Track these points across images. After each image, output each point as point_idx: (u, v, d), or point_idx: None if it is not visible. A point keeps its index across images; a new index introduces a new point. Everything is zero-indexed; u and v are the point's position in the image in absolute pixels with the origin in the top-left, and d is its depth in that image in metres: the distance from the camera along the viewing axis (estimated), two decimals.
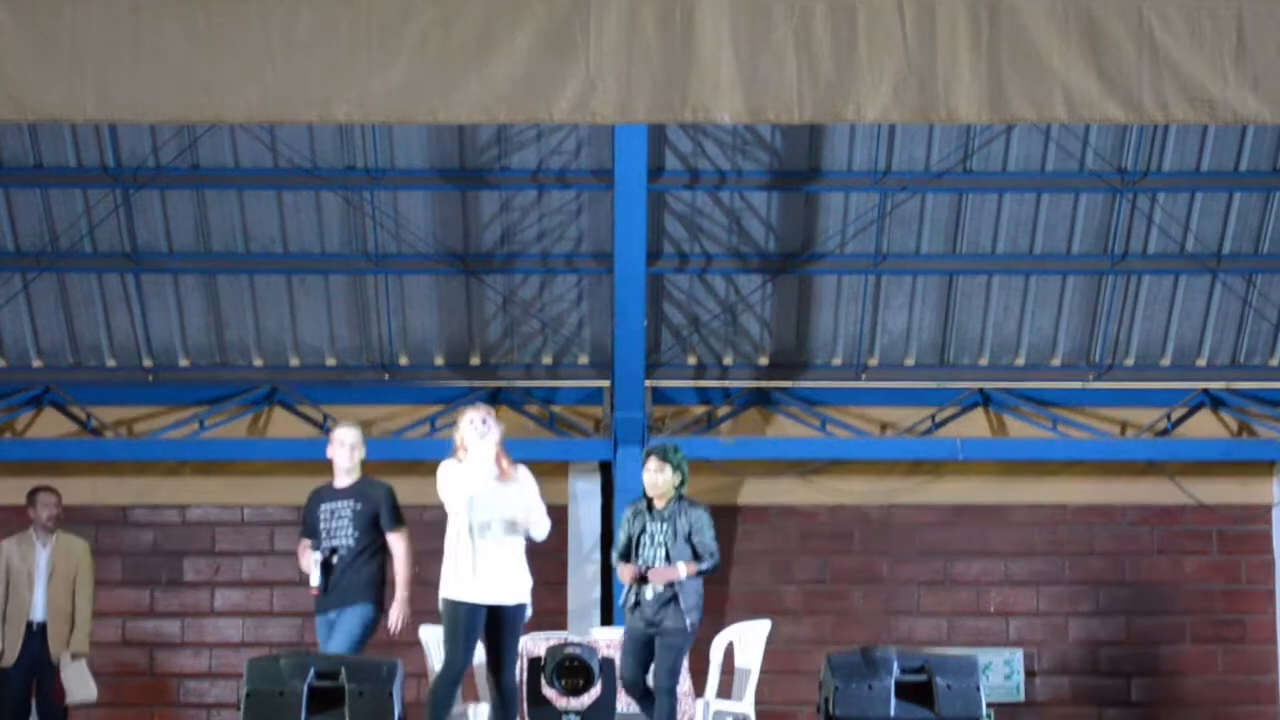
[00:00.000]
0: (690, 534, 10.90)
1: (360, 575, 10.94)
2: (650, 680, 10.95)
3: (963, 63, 10.09)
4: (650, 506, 11.03)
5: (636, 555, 10.96)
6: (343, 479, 11.13)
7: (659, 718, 10.77)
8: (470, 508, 10.20)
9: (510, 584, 10.22)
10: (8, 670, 12.89)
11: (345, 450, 11.10)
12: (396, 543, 10.99)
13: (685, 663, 12.28)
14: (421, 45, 10.10)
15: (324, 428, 15.55)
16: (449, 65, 10.08)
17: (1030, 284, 15.60)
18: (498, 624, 10.20)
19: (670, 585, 10.83)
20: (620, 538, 11.13)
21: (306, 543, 11.04)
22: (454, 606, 10.16)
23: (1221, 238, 15.40)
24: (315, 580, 10.88)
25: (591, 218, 15.23)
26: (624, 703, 11.79)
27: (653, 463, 10.97)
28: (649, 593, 10.87)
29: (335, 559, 10.89)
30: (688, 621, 10.87)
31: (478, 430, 10.18)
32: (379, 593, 10.96)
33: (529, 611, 10.39)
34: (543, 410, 15.69)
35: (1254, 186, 15.21)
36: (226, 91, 10.06)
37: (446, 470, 10.32)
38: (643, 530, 10.99)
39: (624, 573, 10.94)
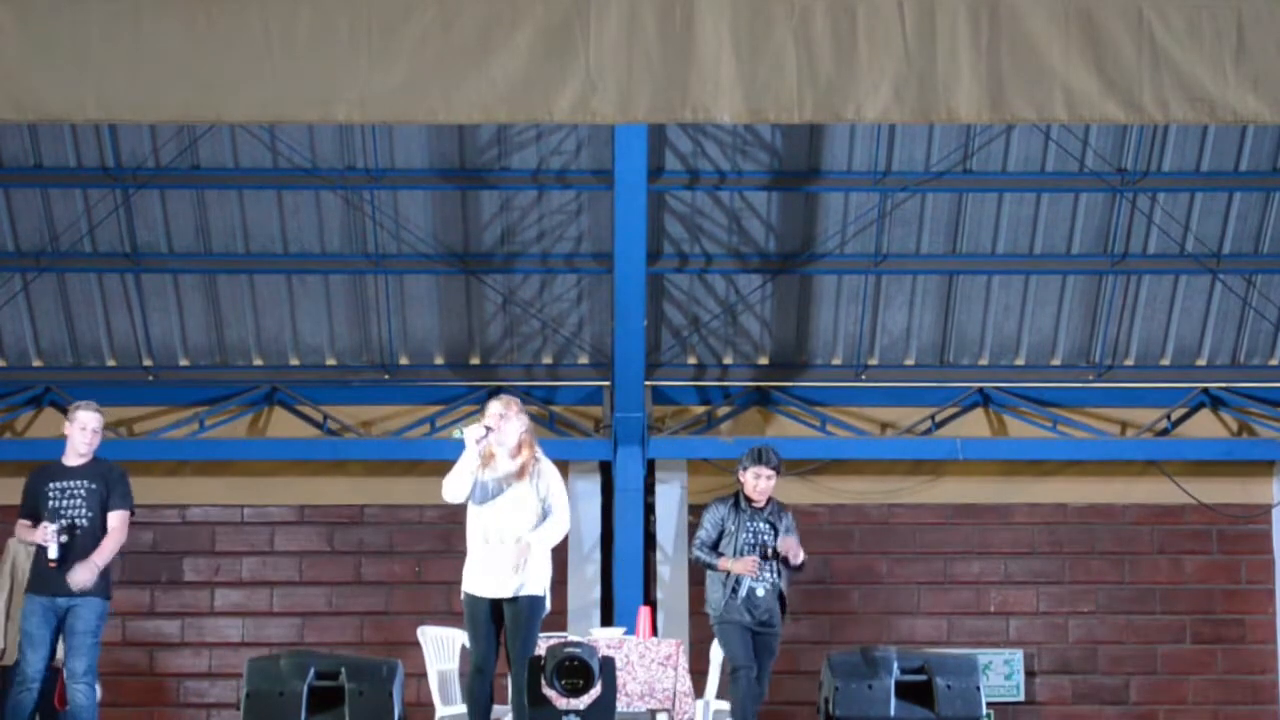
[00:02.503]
0: (788, 532, 11.29)
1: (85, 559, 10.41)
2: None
3: (963, 63, 10.09)
4: (747, 504, 11.28)
5: (734, 552, 11.12)
6: (75, 459, 10.60)
7: (748, 701, 11.04)
8: (480, 501, 10.29)
9: (519, 577, 10.22)
10: (9, 669, 12.86)
11: (86, 435, 10.57)
12: (114, 519, 10.45)
13: (687, 661, 12.31)
14: (421, 45, 10.09)
15: (324, 428, 15.57)
16: (449, 65, 10.07)
17: (1030, 284, 15.60)
18: (508, 617, 10.22)
19: (777, 586, 11.12)
20: (711, 532, 11.23)
21: (26, 523, 10.49)
22: (470, 601, 10.30)
23: (1221, 238, 15.40)
24: (54, 553, 10.27)
25: (591, 218, 15.23)
26: (624, 702, 11.79)
27: (762, 470, 11.16)
28: (760, 589, 11.08)
29: (72, 536, 10.36)
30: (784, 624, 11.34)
31: (497, 419, 10.39)
32: (109, 582, 10.51)
33: (547, 605, 10.38)
34: (543, 410, 15.69)
35: (1254, 186, 15.21)
36: (226, 91, 10.06)
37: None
38: (737, 528, 11.18)
39: (744, 564, 11.09)
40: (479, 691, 10.20)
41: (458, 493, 10.38)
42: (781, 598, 11.19)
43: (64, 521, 10.32)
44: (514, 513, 10.38)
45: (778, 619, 11.16)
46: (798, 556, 11.21)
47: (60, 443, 15.21)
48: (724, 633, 11.20)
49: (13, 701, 10.39)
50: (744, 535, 11.17)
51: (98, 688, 10.56)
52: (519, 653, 10.19)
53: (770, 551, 11.14)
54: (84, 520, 10.41)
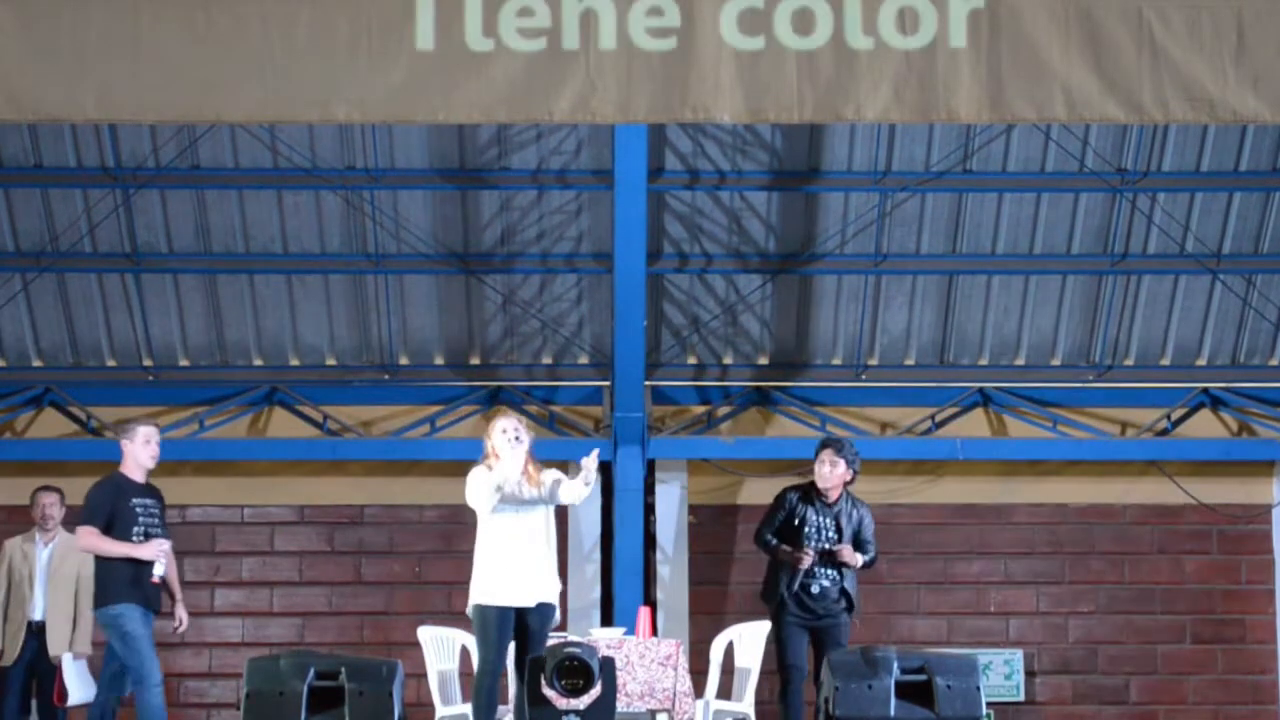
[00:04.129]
0: (859, 530, 11.28)
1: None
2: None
3: (963, 63, 10.09)
4: (818, 497, 11.27)
5: (799, 542, 11.13)
6: (141, 475, 10.99)
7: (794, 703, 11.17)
8: (499, 513, 10.29)
9: (538, 586, 10.32)
10: (7, 669, 12.88)
11: (151, 449, 10.99)
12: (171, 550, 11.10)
13: (687, 661, 12.30)
14: (422, 45, 10.09)
15: (324, 428, 15.57)
16: (449, 65, 10.08)
17: (1030, 284, 15.60)
18: (525, 626, 10.31)
19: (841, 578, 11.11)
20: (778, 516, 11.22)
21: (93, 529, 10.74)
22: (484, 610, 10.26)
23: (1221, 238, 15.40)
24: (160, 570, 10.75)
25: (591, 218, 15.23)
26: (624, 702, 11.79)
27: (828, 455, 11.13)
28: (815, 587, 11.15)
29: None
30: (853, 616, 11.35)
31: (509, 439, 10.30)
32: None
33: (557, 616, 10.52)
34: (543, 410, 15.69)
35: (1254, 186, 15.21)
36: (226, 91, 10.06)
37: (478, 476, 10.39)
38: (803, 519, 11.12)
39: (795, 558, 11.11)
40: (493, 694, 10.29)
41: (492, 502, 10.29)
42: (845, 594, 11.20)
43: (170, 542, 10.86)
44: (527, 516, 10.40)
45: (838, 610, 11.23)
46: (854, 561, 11.26)
47: (60, 443, 15.39)
48: (776, 629, 11.37)
49: (155, 705, 10.78)
50: (808, 529, 11.18)
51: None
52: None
53: (827, 552, 11.14)
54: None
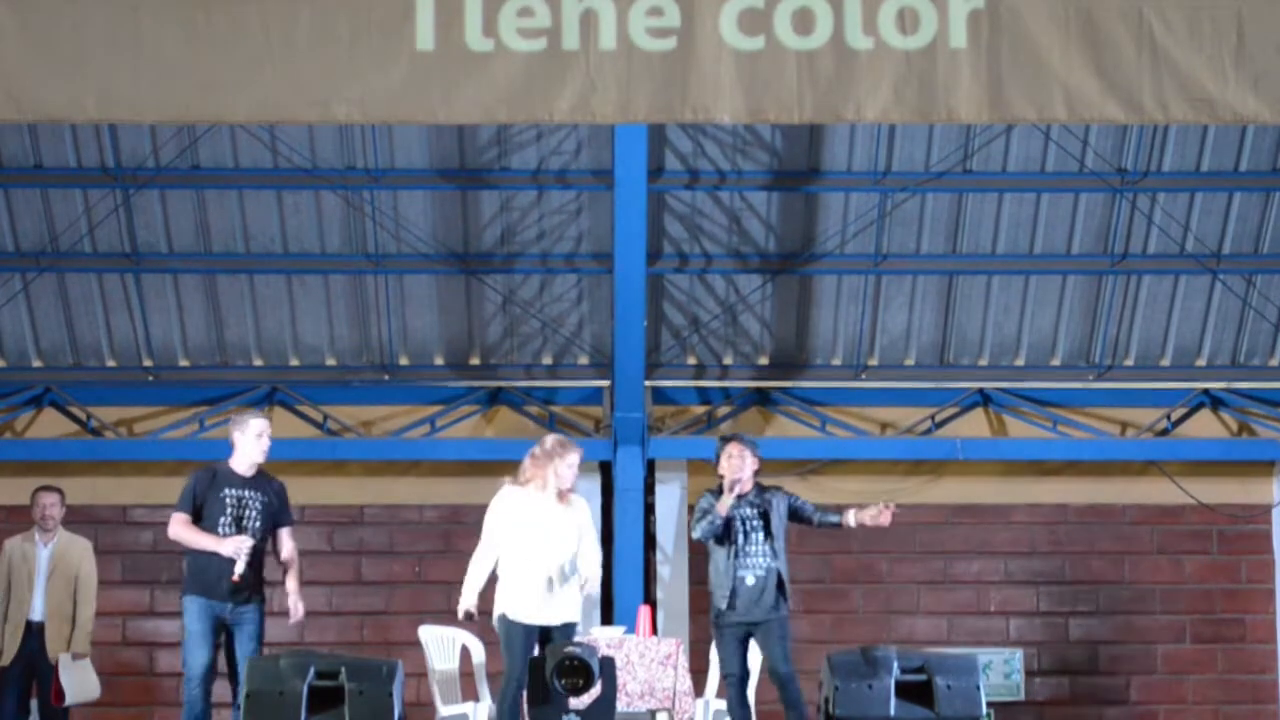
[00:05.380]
0: (796, 509, 11.01)
1: (260, 571, 11.04)
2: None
3: (963, 63, 10.09)
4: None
5: (731, 538, 10.93)
6: (247, 468, 11.04)
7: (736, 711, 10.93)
8: (534, 534, 10.57)
9: (565, 606, 10.64)
10: (6, 669, 12.88)
11: (264, 442, 11.08)
12: (292, 541, 11.18)
13: (687, 661, 12.29)
14: (422, 45, 10.09)
15: (324, 428, 15.57)
16: (449, 65, 10.08)
17: (1030, 284, 15.60)
18: (550, 642, 10.56)
19: (773, 571, 10.81)
20: (704, 510, 11.04)
21: (184, 517, 10.77)
22: (510, 625, 10.56)
23: (1221, 238, 15.40)
24: (241, 568, 10.75)
25: (591, 218, 15.23)
26: (624, 702, 11.79)
27: (735, 448, 11.00)
28: (750, 578, 10.83)
29: (256, 553, 10.88)
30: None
31: (573, 471, 10.73)
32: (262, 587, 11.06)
33: (579, 629, 10.82)
34: (543, 410, 15.69)
35: (1254, 186, 15.21)
36: (226, 91, 10.06)
37: (510, 497, 10.69)
38: (730, 516, 10.90)
39: (731, 485, 10.92)
40: (517, 703, 10.56)
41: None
42: (780, 583, 10.88)
43: (255, 540, 10.81)
44: (561, 540, 10.67)
45: (775, 605, 10.82)
46: (886, 518, 10.80)
47: (60, 443, 15.39)
48: (716, 637, 11.09)
49: (188, 698, 10.91)
50: (735, 524, 10.93)
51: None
52: None
53: (762, 534, 10.88)
54: (259, 534, 10.88)
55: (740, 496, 10.92)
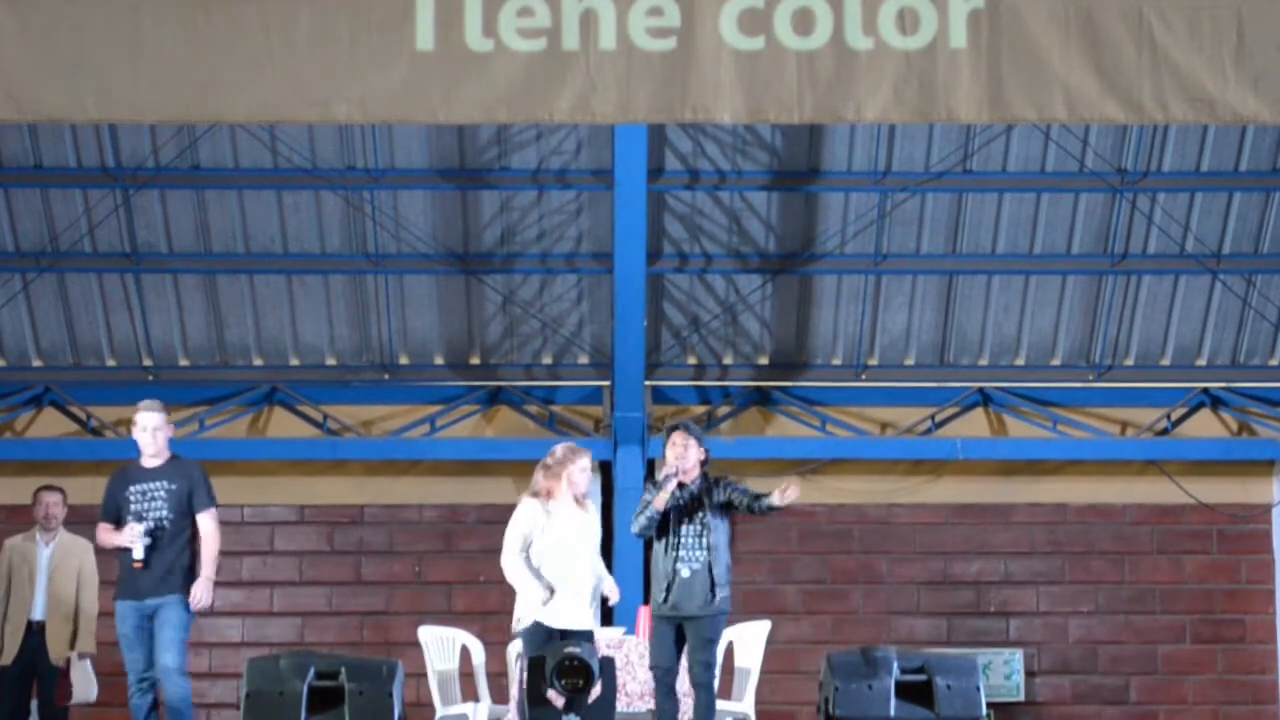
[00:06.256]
0: (738, 495, 10.64)
1: (180, 560, 10.57)
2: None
3: (963, 63, 10.09)
4: (679, 485, 10.75)
5: (672, 529, 10.74)
6: (151, 460, 10.71)
7: (664, 708, 10.71)
8: (561, 544, 10.55)
9: (588, 616, 10.66)
10: (7, 669, 12.87)
11: (149, 435, 10.68)
12: (206, 522, 10.62)
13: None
14: (422, 45, 10.09)
15: (324, 427, 15.57)
16: (449, 65, 10.08)
17: (1030, 284, 15.60)
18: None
19: (707, 566, 10.56)
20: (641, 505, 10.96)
21: (108, 526, 10.61)
22: (547, 631, 10.52)
23: (1221, 238, 15.40)
24: (139, 554, 10.41)
25: (591, 218, 15.23)
26: (624, 702, 11.79)
27: (679, 438, 10.69)
28: (686, 570, 10.58)
29: (156, 539, 10.48)
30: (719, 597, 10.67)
31: (586, 475, 10.74)
32: (193, 579, 10.58)
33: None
34: (543, 410, 15.69)
35: (1254, 186, 15.22)
36: (226, 91, 10.06)
37: (532, 509, 10.61)
38: (670, 507, 10.66)
39: (664, 493, 10.70)
40: None
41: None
42: (712, 580, 10.52)
43: (150, 524, 10.45)
44: (589, 548, 10.75)
45: (708, 602, 10.50)
46: (794, 494, 10.46)
47: (60, 443, 15.40)
48: (651, 628, 10.85)
49: (132, 705, 10.58)
50: (673, 515, 10.73)
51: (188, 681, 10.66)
52: None
53: (700, 526, 10.53)
54: (166, 522, 10.51)
55: (682, 486, 10.64)
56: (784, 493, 10.46)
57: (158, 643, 10.44)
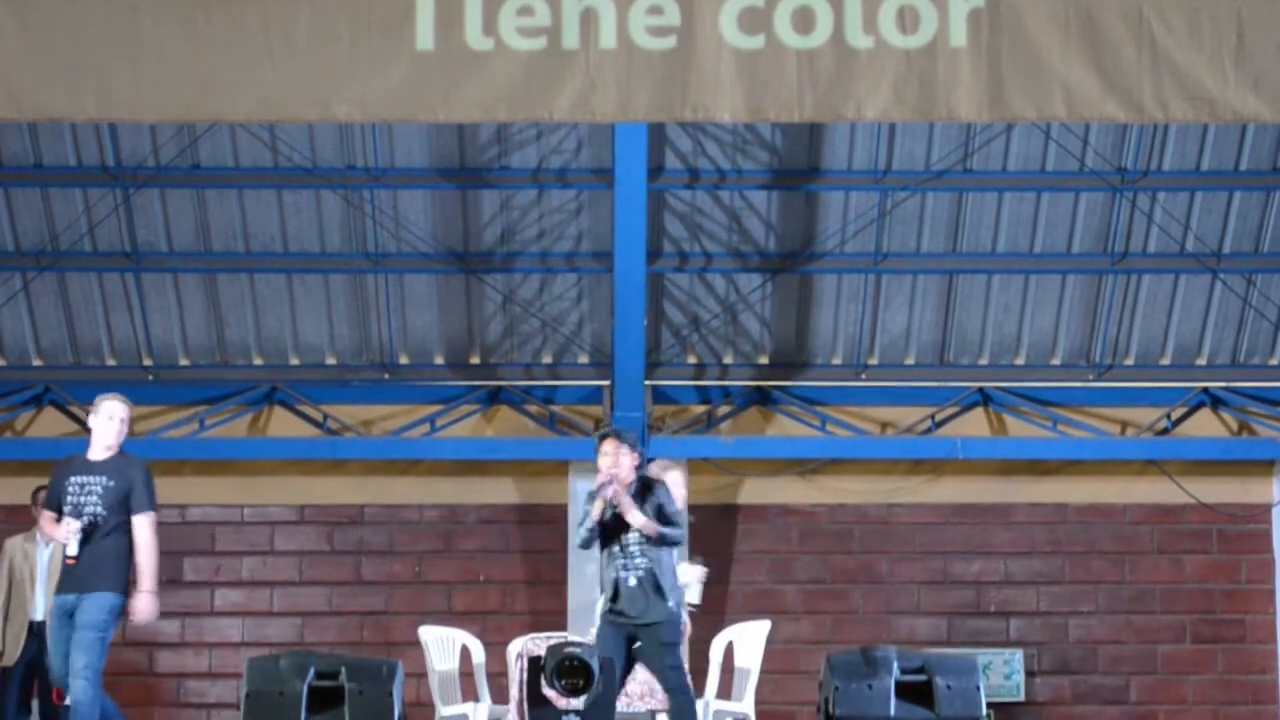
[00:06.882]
0: (658, 510, 10.56)
1: (108, 558, 10.25)
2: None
3: (963, 62, 10.09)
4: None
5: (615, 537, 10.65)
6: (100, 453, 10.45)
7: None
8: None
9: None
10: (8, 669, 12.88)
11: (114, 425, 10.46)
12: (142, 527, 10.31)
13: (686, 662, 12.25)
14: (422, 44, 10.09)
15: (324, 427, 15.57)
16: (449, 64, 10.08)
17: (1030, 283, 15.60)
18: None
19: (652, 574, 10.48)
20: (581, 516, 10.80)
21: (50, 515, 10.37)
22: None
23: (1221, 237, 15.40)
24: (73, 550, 10.14)
25: (591, 217, 15.23)
26: (624, 702, 11.79)
27: (610, 446, 10.49)
28: (632, 579, 10.48)
29: (89, 535, 10.20)
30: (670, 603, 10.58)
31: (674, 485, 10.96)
32: (125, 578, 10.32)
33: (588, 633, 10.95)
34: (543, 410, 15.69)
35: (1254, 186, 15.21)
36: (226, 91, 10.06)
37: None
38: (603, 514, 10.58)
39: (600, 503, 10.63)
40: None
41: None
42: (658, 585, 10.43)
43: (85, 520, 10.18)
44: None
45: (653, 608, 10.42)
46: (636, 520, 10.35)
47: (60, 443, 15.37)
48: (599, 630, 10.77)
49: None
50: (613, 522, 10.53)
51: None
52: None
53: (640, 534, 10.40)
54: (98, 518, 10.25)
55: (615, 491, 10.48)
56: (690, 574, 10.76)
57: (73, 640, 10.12)
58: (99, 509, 10.26)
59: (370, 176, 15.04)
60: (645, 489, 10.56)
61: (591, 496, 10.56)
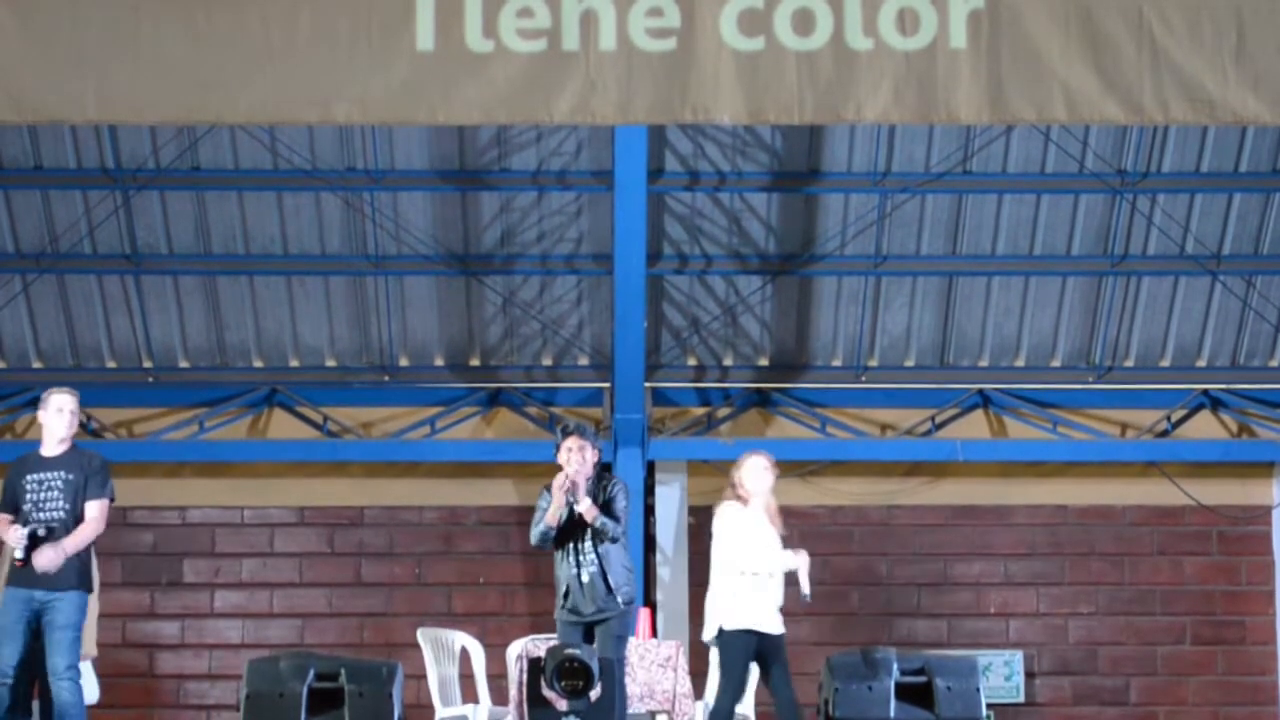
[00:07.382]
0: (608, 504, 10.65)
1: (75, 555, 10.16)
2: None
3: (963, 63, 10.09)
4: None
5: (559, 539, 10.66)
6: (53, 448, 10.32)
7: None
8: (761, 547, 10.73)
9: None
10: None
11: (65, 417, 10.29)
12: (92, 508, 10.19)
13: (687, 663, 12.25)
14: (422, 45, 10.09)
15: (324, 429, 15.58)
16: (449, 65, 10.08)
17: (1030, 285, 15.61)
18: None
19: (602, 567, 10.56)
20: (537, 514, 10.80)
21: (7, 517, 10.20)
22: (740, 636, 10.77)
23: (1221, 238, 15.41)
24: (20, 554, 10.00)
25: (591, 219, 15.23)
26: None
27: (574, 442, 10.54)
28: (585, 574, 10.55)
29: (46, 533, 10.07)
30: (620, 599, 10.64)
31: (758, 476, 10.81)
32: (89, 575, 10.32)
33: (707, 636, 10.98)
34: (542, 412, 15.70)
35: (1254, 187, 15.22)
36: (226, 91, 10.06)
37: (738, 513, 10.75)
38: (568, 512, 10.61)
39: (556, 504, 10.61)
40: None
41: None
42: (608, 583, 10.51)
43: (38, 527, 10.08)
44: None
45: (608, 603, 10.51)
46: (590, 514, 10.42)
47: None
48: (559, 632, 10.79)
49: None
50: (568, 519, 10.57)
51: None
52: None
53: (590, 530, 10.47)
54: (59, 516, 10.18)
55: (574, 486, 10.51)
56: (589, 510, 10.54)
57: (48, 643, 10.10)
58: (60, 504, 10.22)
59: (370, 178, 15.05)
60: (599, 483, 10.64)
61: (548, 492, 10.58)
